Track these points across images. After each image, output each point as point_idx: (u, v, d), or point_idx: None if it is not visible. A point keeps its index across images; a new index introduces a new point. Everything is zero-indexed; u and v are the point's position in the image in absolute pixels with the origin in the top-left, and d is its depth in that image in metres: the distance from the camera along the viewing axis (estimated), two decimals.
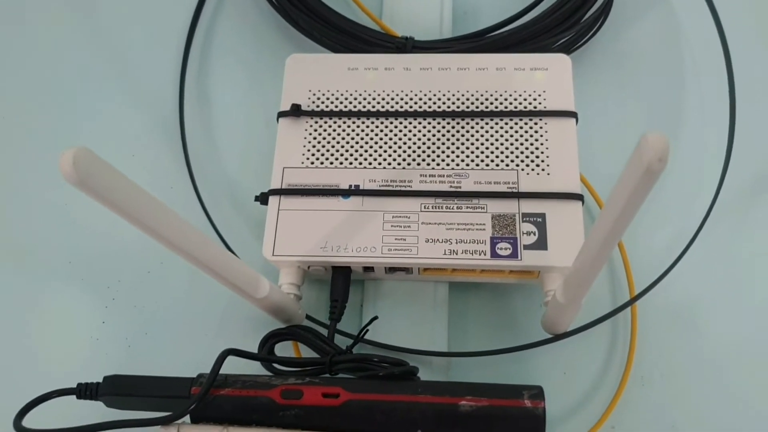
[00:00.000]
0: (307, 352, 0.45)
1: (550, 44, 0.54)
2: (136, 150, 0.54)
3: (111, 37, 0.60)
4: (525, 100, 0.49)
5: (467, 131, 0.48)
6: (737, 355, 0.46)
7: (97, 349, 0.48)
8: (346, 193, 0.46)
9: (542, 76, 0.50)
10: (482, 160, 0.47)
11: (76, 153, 0.28)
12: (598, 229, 0.33)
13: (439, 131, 0.48)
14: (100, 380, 0.40)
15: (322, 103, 0.50)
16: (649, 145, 0.27)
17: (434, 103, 0.49)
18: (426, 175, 0.47)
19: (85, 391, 0.38)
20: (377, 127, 0.48)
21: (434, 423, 0.35)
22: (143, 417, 0.36)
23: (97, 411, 0.40)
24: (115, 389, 0.38)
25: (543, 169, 0.46)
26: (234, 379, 0.37)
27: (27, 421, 0.37)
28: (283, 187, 0.47)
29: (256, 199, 0.47)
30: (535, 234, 0.44)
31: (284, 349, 0.46)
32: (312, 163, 0.47)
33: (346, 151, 0.48)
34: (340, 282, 0.45)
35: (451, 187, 0.46)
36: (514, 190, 0.46)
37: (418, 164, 0.47)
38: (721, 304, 0.48)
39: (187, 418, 0.36)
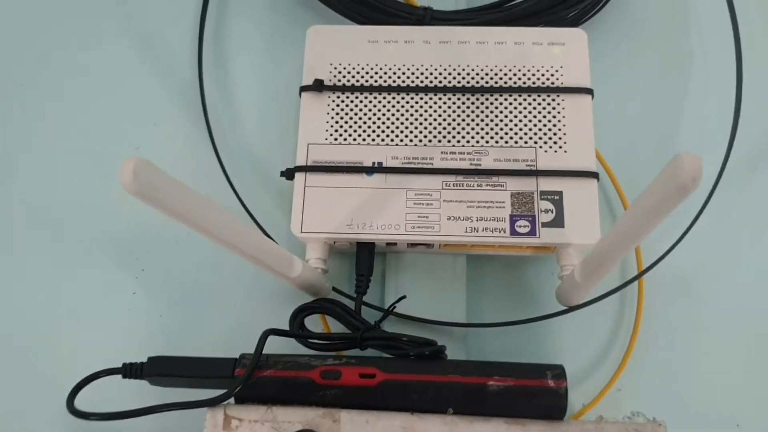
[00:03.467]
0: (335, 324, 0.47)
1: (563, 16, 0.55)
2: (157, 119, 0.55)
3: (127, 4, 0.60)
4: (543, 75, 0.50)
5: (486, 107, 0.49)
6: (736, 324, 0.49)
7: (130, 319, 0.50)
8: (370, 170, 0.48)
9: (559, 51, 0.51)
10: (501, 137, 0.48)
11: (136, 164, 0.29)
12: (622, 228, 0.35)
13: (459, 107, 0.49)
14: (139, 354, 0.42)
15: (344, 77, 0.50)
16: (683, 166, 0.29)
17: (454, 78, 0.50)
18: (447, 153, 0.48)
19: (130, 371, 0.40)
20: (398, 102, 0.49)
21: (464, 401, 0.38)
22: (190, 399, 0.38)
23: (138, 388, 0.42)
24: (159, 370, 0.40)
25: (560, 147, 0.48)
26: (275, 360, 0.39)
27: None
28: (309, 164, 0.48)
29: (282, 174, 0.49)
30: (552, 212, 0.46)
31: (313, 321, 0.48)
32: (335, 139, 0.49)
33: (369, 127, 0.49)
34: (366, 257, 0.47)
35: (471, 164, 0.48)
36: (533, 168, 0.47)
37: (439, 141, 0.48)
38: (724, 276, 0.51)
39: (231, 399, 0.39)
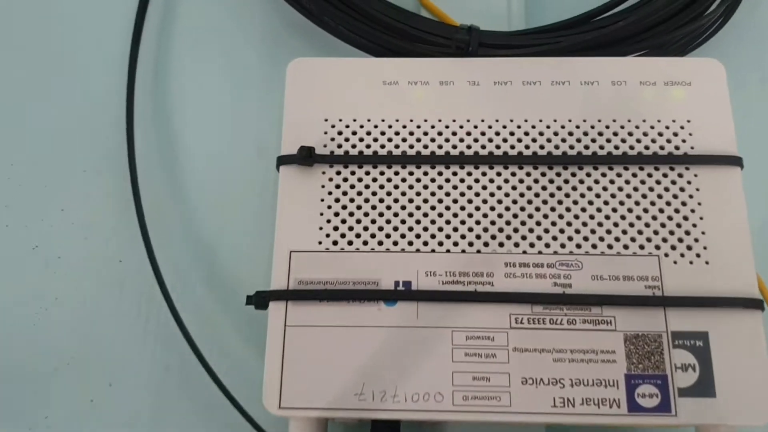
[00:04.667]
0: None
1: (670, 40, 0.36)
2: (64, 201, 0.37)
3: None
4: (661, 135, 0.32)
5: (574, 188, 0.31)
6: None
7: None
8: (391, 296, 0.29)
9: (683, 94, 0.32)
10: (601, 238, 0.30)
11: None
12: None
13: (530, 189, 0.31)
14: None
15: (347, 141, 0.32)
16: None
17: (519, 140, 0.32)
18: (515, 265, 0.30)
19: None
20: (433, 181, 0.31)
21: None
22: None
23: None
24: None
25: (698, 254, 0.29)
26: None
27: None
28: (291, 286, 0.30)
29: (249, 301, 0.30)
30: (694, 368, 0.28)
31: None
32: (335, 242, 0.30)
33: (387, 221, 0.30)
34: None
35: (555, 285, 0.29)
36: (657, 292, 0.29)
37: (501, 245, 0.30)
38: None
39: None
